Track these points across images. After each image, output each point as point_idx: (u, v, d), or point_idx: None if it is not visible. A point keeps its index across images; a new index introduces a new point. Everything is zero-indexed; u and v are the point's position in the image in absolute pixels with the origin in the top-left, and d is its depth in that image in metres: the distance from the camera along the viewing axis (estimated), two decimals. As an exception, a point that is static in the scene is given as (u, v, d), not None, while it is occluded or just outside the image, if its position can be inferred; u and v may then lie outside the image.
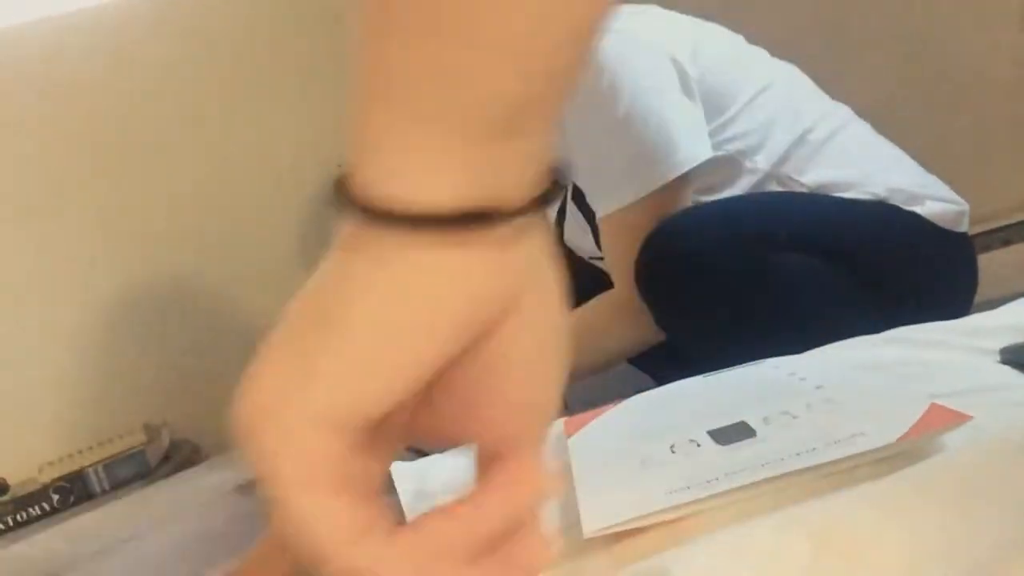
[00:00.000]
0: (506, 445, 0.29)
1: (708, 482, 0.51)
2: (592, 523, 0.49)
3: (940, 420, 0.53)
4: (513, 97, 0.26)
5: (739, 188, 1.04)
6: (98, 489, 1.40)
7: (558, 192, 0.29)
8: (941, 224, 1.02)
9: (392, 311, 0.27)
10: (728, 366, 0.74)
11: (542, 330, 0.29)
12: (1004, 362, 0.64)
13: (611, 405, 0.71)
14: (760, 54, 1.11)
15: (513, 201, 0.27)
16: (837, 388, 0.63)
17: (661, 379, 1.40)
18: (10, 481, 1.43)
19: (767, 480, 0.50)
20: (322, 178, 1.80)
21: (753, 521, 0.44)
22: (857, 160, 1.05)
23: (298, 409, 0.28)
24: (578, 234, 1.18)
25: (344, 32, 1.90)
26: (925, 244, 1.01)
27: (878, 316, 0.80)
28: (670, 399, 0.71)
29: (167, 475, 1.45)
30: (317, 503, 0.28)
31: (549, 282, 0.29)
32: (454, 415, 0.29)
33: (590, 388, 1.77)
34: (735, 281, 0.93)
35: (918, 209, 1.02)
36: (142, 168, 1.63)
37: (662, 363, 1.40)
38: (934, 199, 1.04)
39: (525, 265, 0.28)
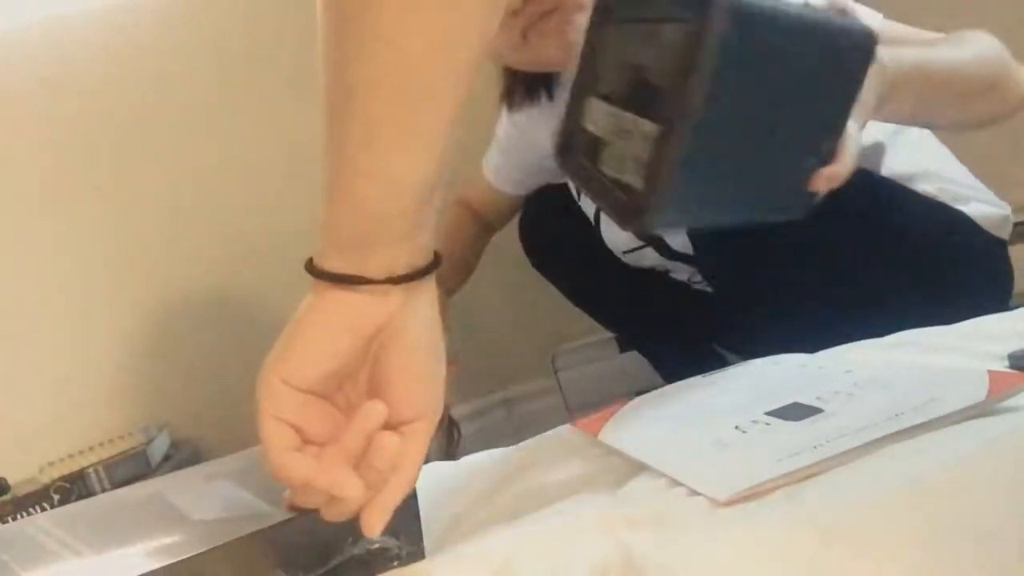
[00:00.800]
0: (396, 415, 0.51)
1: (814, 448, 0.50)
2: (723, 491, 0.48)
3: (1010, 381, 0.53)
4: (365, 225, 0.49)
5: None
6: (99, 489, 1.40)
7: (432, 268, 0.51)
8: (985, 227, 1.01)
9: (316, 322, 0.53)
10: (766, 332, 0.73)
11: (420, 347, 0.51)
12: (1012, 367, 0.63)
13: (617, 405, 0.69)
14: None
15: (375, 275, 0.50)
16: (868, 374, 0.62)
17: (664, 368, 1.40)
18: (11, 481, 1.43)
19: (876, 441, 0.49)
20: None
21: (761, 512, 0.44)
22: (918, 154, 1.04)
23: (271, 369, 0.51)
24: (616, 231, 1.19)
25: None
26: (967, 244, 0.99)
27: (904, 307, 0.80)
28: (683, 395, 0.70)
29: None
30: (267, 423, 0.50)
31: (425, 318, 0.51)
32: (380, 391, 0.52)
33: (590, 383, 1.77)
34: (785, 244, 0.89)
35: (964, 208, 1.01)
36: (145, 169, 1.62)
37: (664, 350, 1.39)
38: (979, 201, 1.03)
39: (398, 307, 0.50)
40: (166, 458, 1.50)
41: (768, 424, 0.56)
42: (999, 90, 0.86)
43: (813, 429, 0.53)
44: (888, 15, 0.95)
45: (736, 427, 0.57)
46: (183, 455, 1.53)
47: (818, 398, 0.58)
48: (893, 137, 1.02)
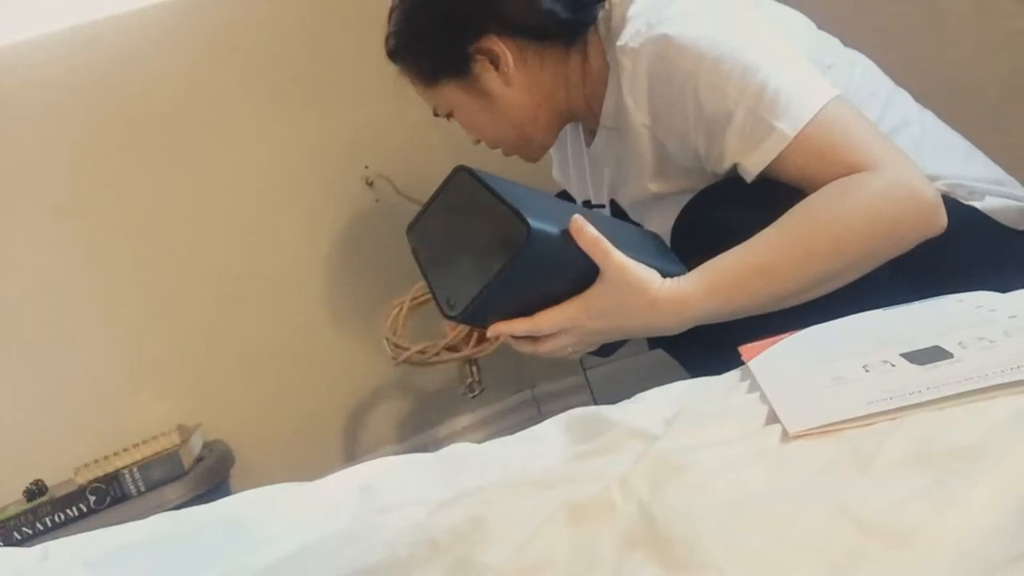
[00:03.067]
0: None
1: (909, 394, 0.52)
2: (795, 424, 0.52)
3: None
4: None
5: None
6: (133, 490, 1.42)
7: None
8: (1002, 221, 0.99)
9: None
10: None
11: None
12: None
13: (787, 335, 0.72)
14: (834, 40, 1.08)
15: None
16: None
17: (693, 367, 1.38)
18: (48, 483, 1.45)
19: (969, 393, 0.50)
20: (348, 178, 1.81)
21: (805, 504, 0.43)
22: (921, 151, 1.01)
23: None
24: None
25: (370, 35, 1.92)
26: (976, 240, 0.97)
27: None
28: (851, 329, 0.71)
29: (200, 476, 1.47)
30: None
31: None
32: None
33: (619, 380, 1.76)
34: None
35: (977, 204, 0.99)
36: (176, 172, 1.64)
37: (693, 349, 1.38)
38: (996, 194, 1.01)
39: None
40: (199, 459, 1.52)
41: (893, 366, 0.58)
42: (883, 233, 0.85)
43: (928, 375, 0.54)
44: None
45: (864, 366, 0.59)
46: (215, 456, 1.55)
47: (960, 343, 0.58)
48: (893, 136, 1.00)
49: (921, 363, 0.57)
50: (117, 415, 1.56)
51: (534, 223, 0.74)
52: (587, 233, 0.80)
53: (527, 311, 0.84)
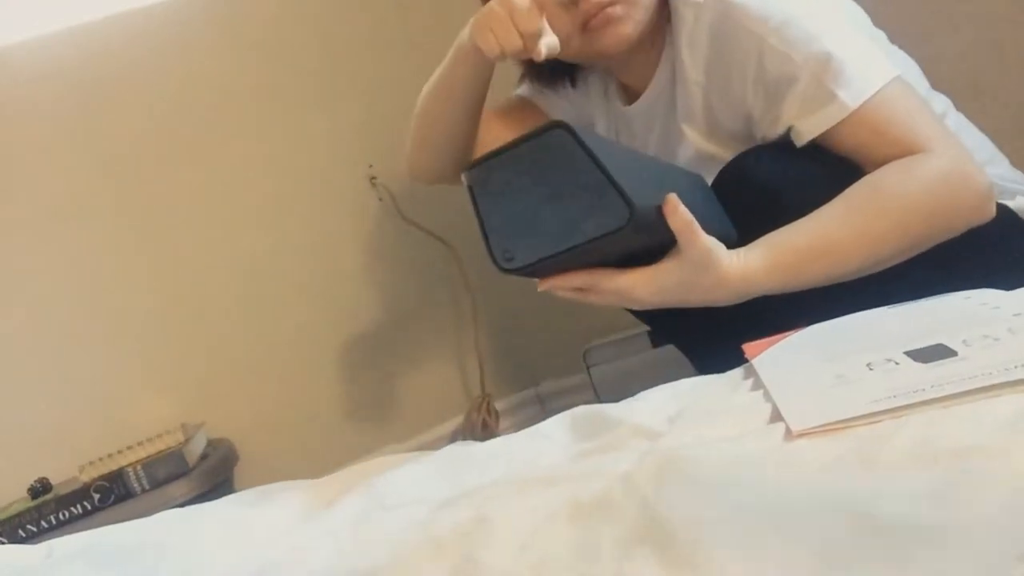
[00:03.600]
0: None
1: (913, 392, 0.51)
2: (799, 423, 0.52)
3: None
4: None
5: None
6: (137, 488, 1.42)
7: None
8: None
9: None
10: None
11: None
12: None
13: (790, 332, 0.72)
14: (883, 35, 1.08)
15: None
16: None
17: (700, 363, 1.38)
18: (52, 481, 1.45)
19: (974, 391, 0.50)
20: (352, 177, 1.81)
21: (809, 504, 0.43)
22: None
23: None
24: None
25: (375, 34, 1.91)
26: (1009, 237, 0.97)
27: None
28: (854, 327, 0.72)
29: (204, 474, 1.47)
30: None
31: None
32: None
33: (622, 379, 1.76)
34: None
35: (1009, 203, 0.99)
36: (181, 170, 1.64)
37: (700, 343, 1.37)
38: None
39: None
40: (203, 457, 1.52)
41: (897, 364, 0.57)
42: (940, 217, 0.85)
43: (932, 373, 0.54)
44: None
45: (868, 364, 0.59)
46: (219, 454, 1.55)
47: (964, 341, 0.58)
48: None
49: (925, 361, 0.57)
50: (121, 413, 1.56)
51: (638, 204, 0.71)
52: (681, 214, 0.78)
53: (581, 267, 0.82)
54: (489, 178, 0.79)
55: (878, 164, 0.88)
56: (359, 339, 1.81)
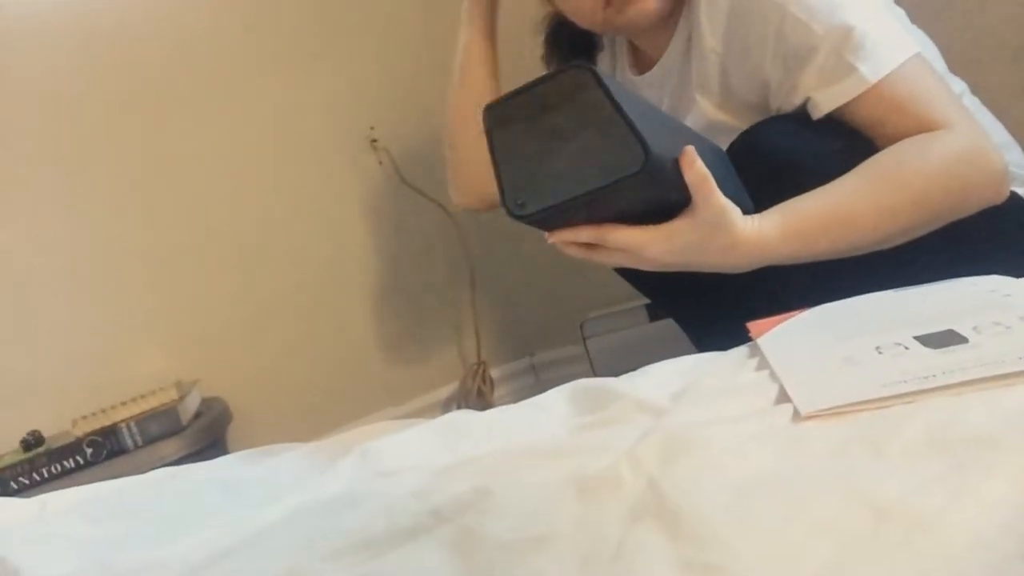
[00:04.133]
0: None
1: (924, 378, 0.51)
2: (807, 405, 0.51)
3: None
4: None
5: None
6: (130, 444, 1.41)
7: None
8: None
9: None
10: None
11: None
12: None
13: (796, 312, 0.71)
14: (902, 13, 1.06)
15: None
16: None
17: (699, 340, 1.38)
18: (45, 434, 1.45)
19: (986, 379, 0.49)
20: (353, 138, 1.79)
21: (817, 486, 0.43)
22: None
23: None
24: None
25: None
26: (1017, 224, 0.96)
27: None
28: (861, 309, 0.71)
29: (197, 432, 1.47)
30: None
31: None
32: None
33: (618, 351, 1.76)
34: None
35: (1020, 190, 0.98)
36: (181, 124, 1.62)
37: (701, 318, 1.37)
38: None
39: None
40: (196, 415, 1.51)
41: (907, 348, 0.57)
42: (956, 195, 0.84)
43: (943, 359, 0.53)
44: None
45: (876, 347, 0.58)
46: (213, 413, 1.54)
47: (974, 328, 0.58)
48: None
49: (935, 347, 0.56)
50: (116, 368, 1.55)
51: (654, 150, 0.69)
52: (697, 168, 0.75)
53: (592, 220, 0.79)
54: (507, 119, 0.77)
55: (894, 140, 0.87)
56: (356, 302, 1.80)
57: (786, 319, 0.70)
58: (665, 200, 0.78)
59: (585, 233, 0.79)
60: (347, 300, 1.79)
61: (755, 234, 0.80)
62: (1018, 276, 0.77)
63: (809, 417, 0.50)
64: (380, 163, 1.80)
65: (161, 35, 1.60)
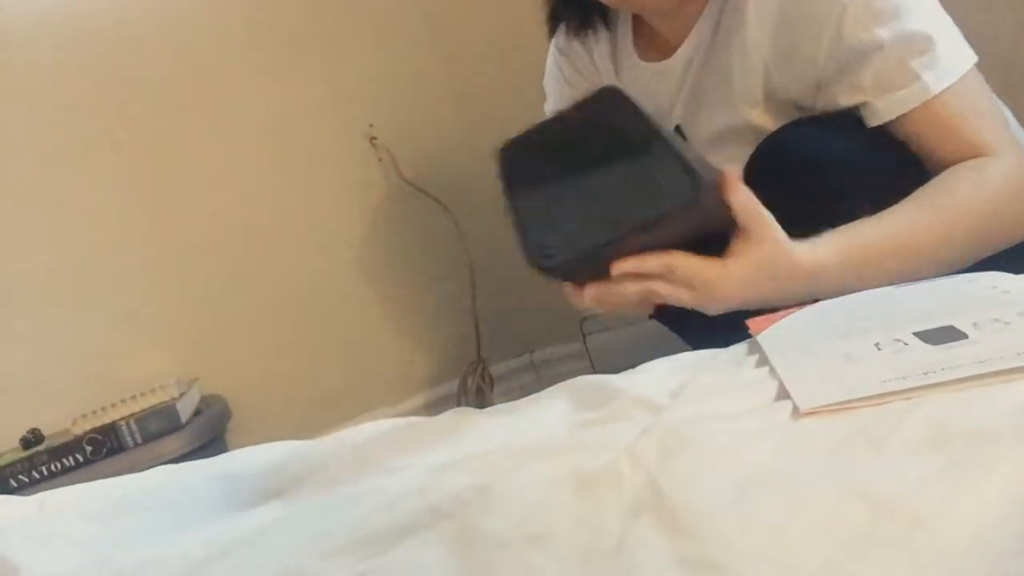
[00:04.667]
0: None
1: (924, 374, 0.51)
2: (807, 401, 0.51)
3: None
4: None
5: None
6: (130, 442, 1.42)
7: None
8: None
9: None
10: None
11: None
12: None
13: (795, 308, 0.70)
14: None
15: None
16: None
17: (692, 340, 1.36)
18: (45, 432, 1.45)
19: (986, 375, 0.49)
20: (353, 136, 1.79)
21: (816, 483, 0.43)
22: None
23: None
24: None
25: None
26: None
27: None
28: (859, 306, 0.70)
29: (197, 430, 1.47)
30: None
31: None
32: None
33: (618, 348, 1.76)
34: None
35: None
36: (180, 122, 1.62)
37: (691, 323, 1.35)
38: None
39: None
40: (196, 413, 1.52)
41: (906, 344, 0.56)
42: (1010, 224, 0.83)
43: (942, 355, 0.53)
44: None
45: (876, 344, 0.58)
46: (213, 411, 1.54)
47: (974, 324, 0.57)
48: None
49: (935, 343, 0.56)
50: (116, 367, 1.55)
51: (706, 177, 0.63)
52: (743, 190, 0.70)
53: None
54: (526, 158, 0.68)
55: (937, 156, 0.85)
56: (355, 300, 1.80)
57: (785, 315, 0.69)
58: (705, 232, 0.71)
59: (653, 262, 0.70)
60: (346, 297, 1.79)
61: (811, 256, 0.75)
62: (1013, 269, 0.77)
63: (809, 414, 0.50)
64: (380, 160, 1.80)
65: (161, 34, 1.60)
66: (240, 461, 0.77)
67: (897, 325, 0.60)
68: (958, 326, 0.57)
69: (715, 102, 1.01)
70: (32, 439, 1.42)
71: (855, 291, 0.77)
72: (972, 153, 0.84)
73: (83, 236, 1.53)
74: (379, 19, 1.84)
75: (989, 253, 0.83)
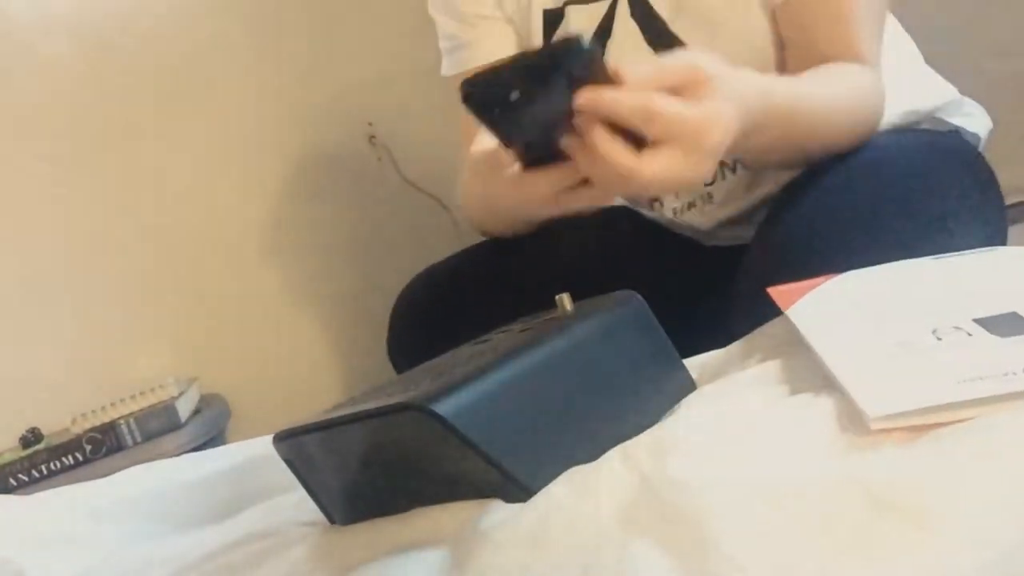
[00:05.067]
0: None
1: (1005, 375, 0.43)
2: (876, 408, 0.43)
3: None
4: None
5: None
6: (130, 441, 1.42)
7: None
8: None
9: None
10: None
11: None
12: None
13: (823, 279, 0.62)
14: None
15: None
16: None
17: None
18: (44, 431, 1.46)
19: None
20: (352, 135, 1.79)
21: (808, 477, 0.42)
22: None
23: None
24: None
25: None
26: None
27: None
28: (900, 279, 0.62)
29: (197, 429, 1.47)
30: None
31: None
32: None
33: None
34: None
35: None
36: (177, 121, 1.62)
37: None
38: (961, 114, 0.98)
39: None
40: (196, 412, 1.52)
41: (970, 335, 0.48)
42: (853, 127, 0.84)
43: (1016, 351, 0.46)
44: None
45: (934, 331, 0.50)
46: (213, 410, 1.55)
47: None
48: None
49: (1002, 334, 0.47)
50: (115, 366, 1.55)
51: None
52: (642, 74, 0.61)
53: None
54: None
55: (820, 52, 0.84)
56: (354, 298, 1.80)
57: (812, 287, 0.61)
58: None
59: (625, 102, 0.58)
60: (345, 295, 1.79)
61: (750, 80, 0.69)
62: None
63: (881, 429, 0.43)
64: (379, 159, 1.80)
65: (159, 33, 1.60)
66: (244, 455, 0.78)
67: (952, 308, 0.52)
68: (1022, 313, 0.49)
69: (645, 23, 0.94)
70: (31, 438, 1.42)
71: (753, 149, 0.74)
72: (852, 58, 0.84)
73: (82, 235, 1.53)
74: (378, 16, 1.84)
75: (820, 155, 0.82)
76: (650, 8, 0.92)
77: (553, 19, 1.00)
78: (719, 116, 0.61)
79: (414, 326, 1.11)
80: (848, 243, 0.75)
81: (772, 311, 0.62)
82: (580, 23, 0.97)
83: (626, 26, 0.94)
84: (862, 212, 0.78)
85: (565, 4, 0.99)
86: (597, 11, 0.96)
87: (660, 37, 0.92)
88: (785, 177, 0.88)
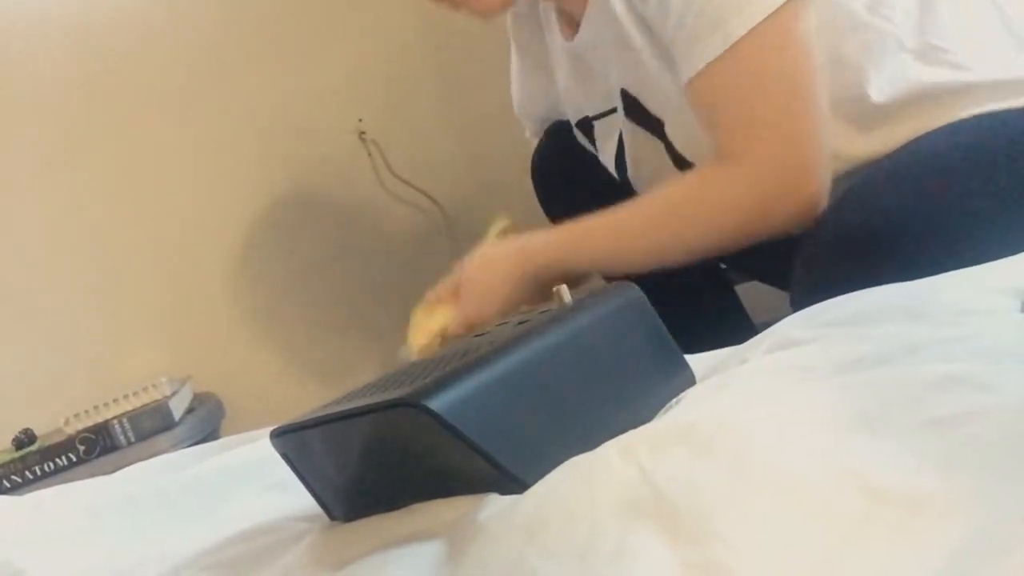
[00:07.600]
0: None
1: None
2: None
3: None
4: None
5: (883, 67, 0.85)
6: (123, 441, 1.42)
7: None
8: None
9: None
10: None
11: None
12: None
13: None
14: None
15: None
16: None
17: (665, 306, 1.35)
18: (37, 432, 1.45)
19: None
20: (343, 131, 1.79)
21: (806, 468, 0.43)
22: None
23: None
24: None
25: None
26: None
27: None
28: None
29: (191, 427, 1.47)
30: None
31: None
32: None
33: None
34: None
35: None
36: (171, 119, 1.62)
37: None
38: None
39: None
40: (189, 411, 1.51)
41: None
42: (676, 234, 0.88)
43: None
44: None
45: None
46: (206, 408, 1.54)
47: None
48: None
49: None
50: (108, 366, 1.55)
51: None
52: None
53: None
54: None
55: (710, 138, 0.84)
56: (346, 296, 1.80)
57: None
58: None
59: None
60: (338, 293, 1.79)
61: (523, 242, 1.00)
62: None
63: None
64: (369, 155, 1.80)
65: (151, 31, 1.60)
66: (242, 451, 0.78)
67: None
68: None
69: (634, 63, 0.95)
70: (24, 439, 1.41)
71: (579, 265, 0.91)
72: (719, 151, 0.83)
73: (74, 235, 1.53)
74: (368, 13, 1.84)
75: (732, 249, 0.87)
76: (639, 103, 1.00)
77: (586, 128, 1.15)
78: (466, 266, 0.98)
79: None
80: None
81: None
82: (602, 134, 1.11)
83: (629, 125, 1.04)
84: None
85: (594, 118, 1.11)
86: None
87: (650, 124, 1.00)
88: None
